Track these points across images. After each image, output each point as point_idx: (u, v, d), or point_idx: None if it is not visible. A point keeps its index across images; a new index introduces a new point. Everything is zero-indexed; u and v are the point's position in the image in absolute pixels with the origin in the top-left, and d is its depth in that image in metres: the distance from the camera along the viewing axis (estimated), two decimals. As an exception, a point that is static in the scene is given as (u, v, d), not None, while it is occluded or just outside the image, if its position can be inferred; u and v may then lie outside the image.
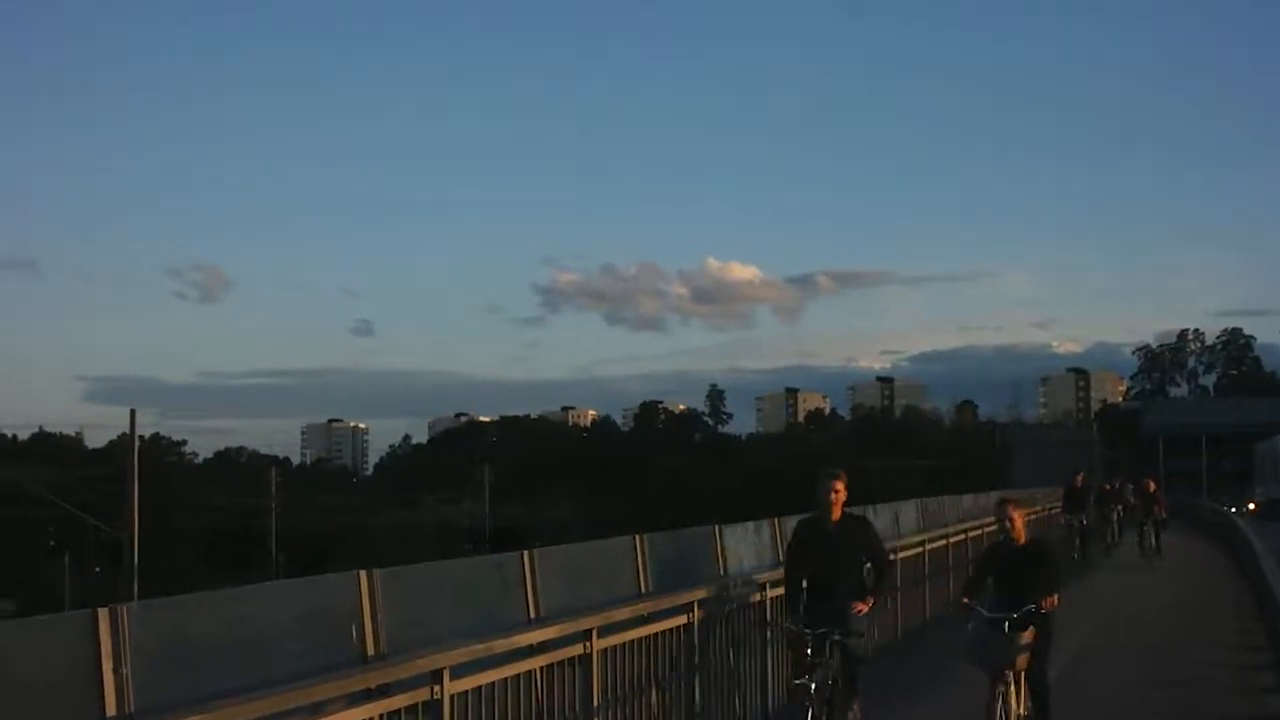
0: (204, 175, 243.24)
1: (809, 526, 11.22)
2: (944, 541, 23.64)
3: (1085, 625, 19.78)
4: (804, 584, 10.73)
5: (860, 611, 10.69)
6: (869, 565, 11.03)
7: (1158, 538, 35.08)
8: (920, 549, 21.68)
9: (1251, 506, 75.07)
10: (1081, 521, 34.52)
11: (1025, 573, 11.13)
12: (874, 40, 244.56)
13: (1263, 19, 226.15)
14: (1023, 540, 11.47)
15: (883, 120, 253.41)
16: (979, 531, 27.31)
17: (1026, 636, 11.00)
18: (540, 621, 9.63)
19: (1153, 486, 36.06)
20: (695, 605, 11.70)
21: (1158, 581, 30.37)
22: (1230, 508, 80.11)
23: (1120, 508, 38.01)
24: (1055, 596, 11.08)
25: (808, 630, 10.47)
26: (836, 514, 10.88)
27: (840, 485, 10.86)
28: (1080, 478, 36.01)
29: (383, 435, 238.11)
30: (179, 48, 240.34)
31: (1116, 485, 40.38)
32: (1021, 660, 11.08)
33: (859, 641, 10.81)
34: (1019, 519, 11.43)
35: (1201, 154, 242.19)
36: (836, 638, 10.50)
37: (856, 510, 12.27)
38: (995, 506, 11.86)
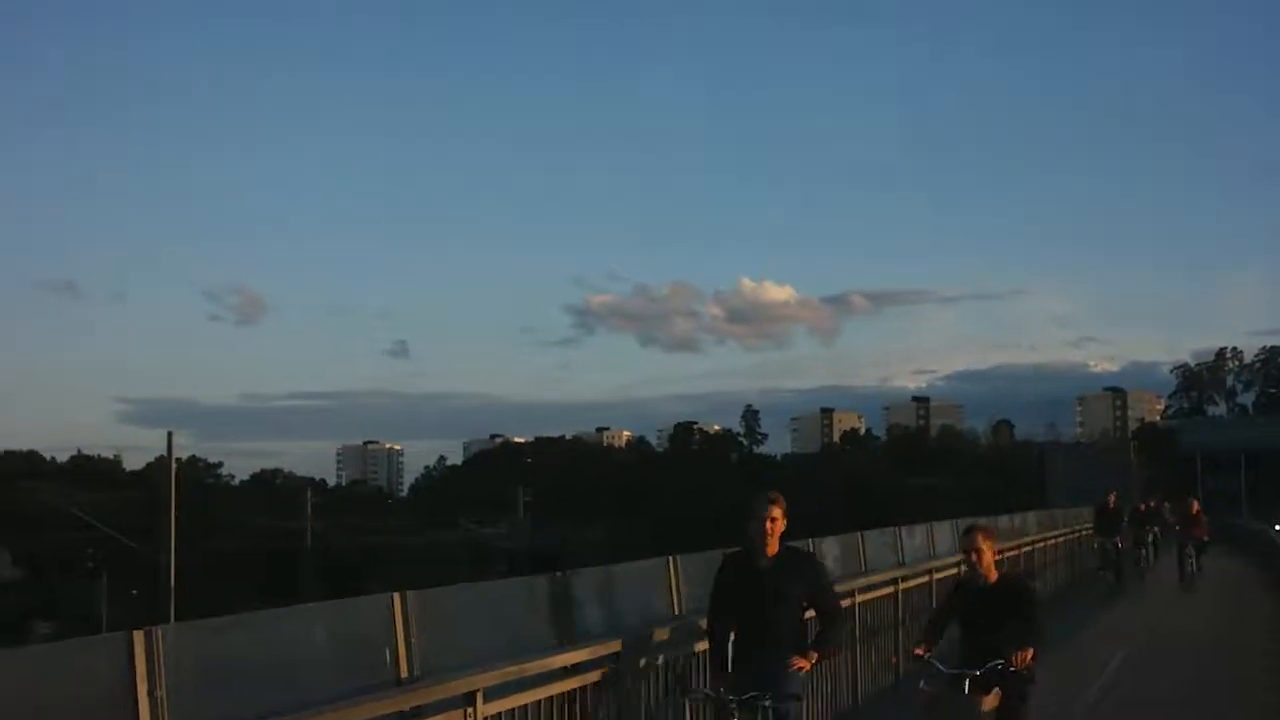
0: (241, 199, 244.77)
1: (737, 564, 9.25)
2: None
3: (1114, 657, 19.23)
4: (730, 636, 8.79)
5: (800, 670, 8.90)
6: (815, 612, 9.37)
7: (1198, 561, 32.69)
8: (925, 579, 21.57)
9: None
10: (1115, 545, 32.99)
11: (996, 619, 9.23)
12: (907, 58, 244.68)
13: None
14: (994, 577, 9.54)
15: (916, 139, 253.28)
16: (1015, 551, 27.23)
17: (989, 701, 9.06)
18: (573, 643, 9.63)
19: (1196, 507, 33.74)
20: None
21: (1196, 610, 27.98)
22: (1277, 526, 79.26)
23: (1156, 529, 36.30)
24: (1030, 651, 9.02)
25: (732, 698, 8.63)
26: (772, 548, 8.96)
27: (778, 512, 8.96)
28: (1112, 498, 34.39)
29: (418, 457, 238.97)
30: (218, 72, 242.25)
31: (1152, 505, 38.44)
32: None
33: (796, 707, 9.01)
34: (988, 551, 9.49)
35: (1239, 171, 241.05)
36: (768, 704, 8.61)
37: (807, 544, 11.41)
38: (962, 535, 9.83)
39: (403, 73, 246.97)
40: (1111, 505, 33.92)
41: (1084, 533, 36.39)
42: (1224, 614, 27.24)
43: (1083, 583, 33.88)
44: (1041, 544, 31.75)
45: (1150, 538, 35.68)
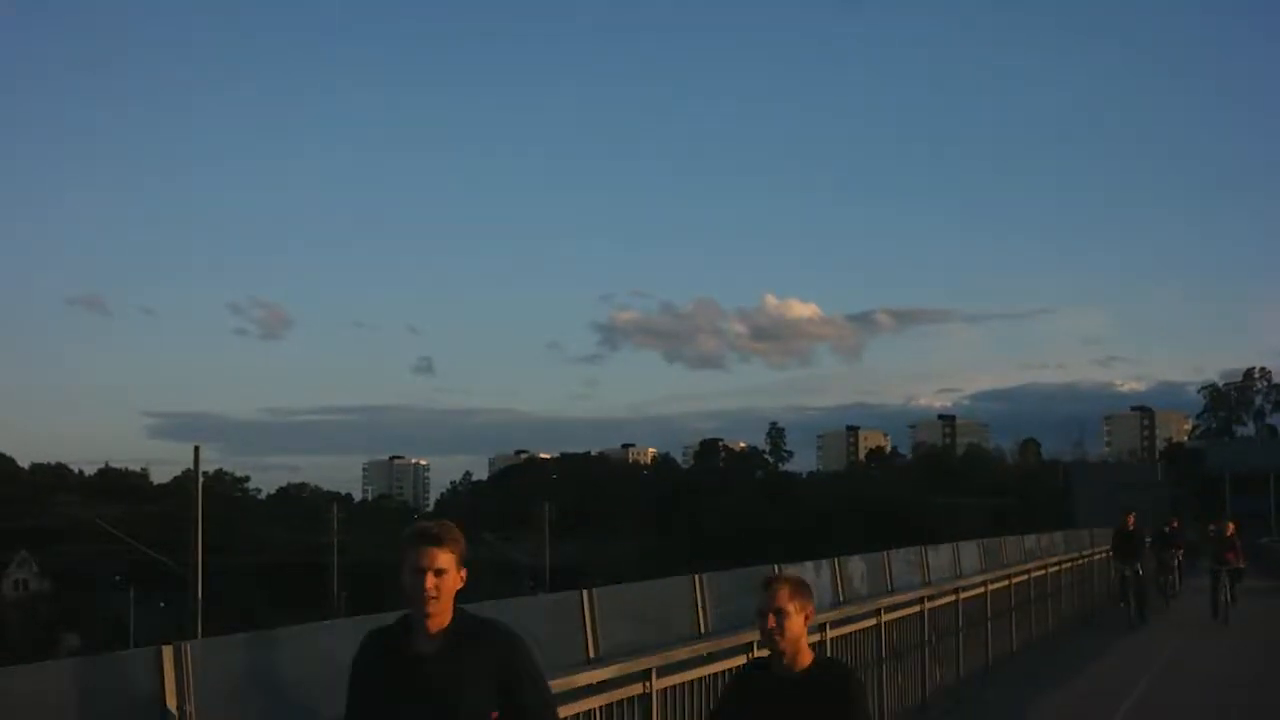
0: (267, 213, 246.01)
1: (384, 648, 5.35)
2: (1005, 582, 23.42)
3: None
4: None
5: None
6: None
7: (1232, 591, 29.47)
8: (982, 588, 21.50)
9: None
10: (1136, 571, 29.89)
11: None
12: (935, 77, 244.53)
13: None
14: (805, 661, 5.90)
15: (941, 157, 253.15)
16: (1041, 571, 27.14)
17: None
18: (599, 661, 9.63)
19: (1232, 529, 30.82)
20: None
21: (1232, 648, 24.73)
22: None
23: (1180, 552, 34.51)
24: None
25: None
26: (439, 618, 5.19)
27: (447, 558, 5.16)
28: (1131, 519, 31.10)
29: (444, 472, 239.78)
30: (242, 86, 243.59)
31: (1177, 525, 36.30)
32: None
33: None
34: (797, 616, 5.88)
35: (1269, 191, 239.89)
36: None
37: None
38: (759, 589, 6.05)
39: (433, 88, 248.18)
40: (1131, 527, 31.01)
41: (1102, 555, 34.22)
42: (1263, 652, 24.16)
43: (1100, 608, 32.44)
44: (1049, 569, 29.34)
45: (1175, 562, 34.00)
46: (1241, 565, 30.53)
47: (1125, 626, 28.20)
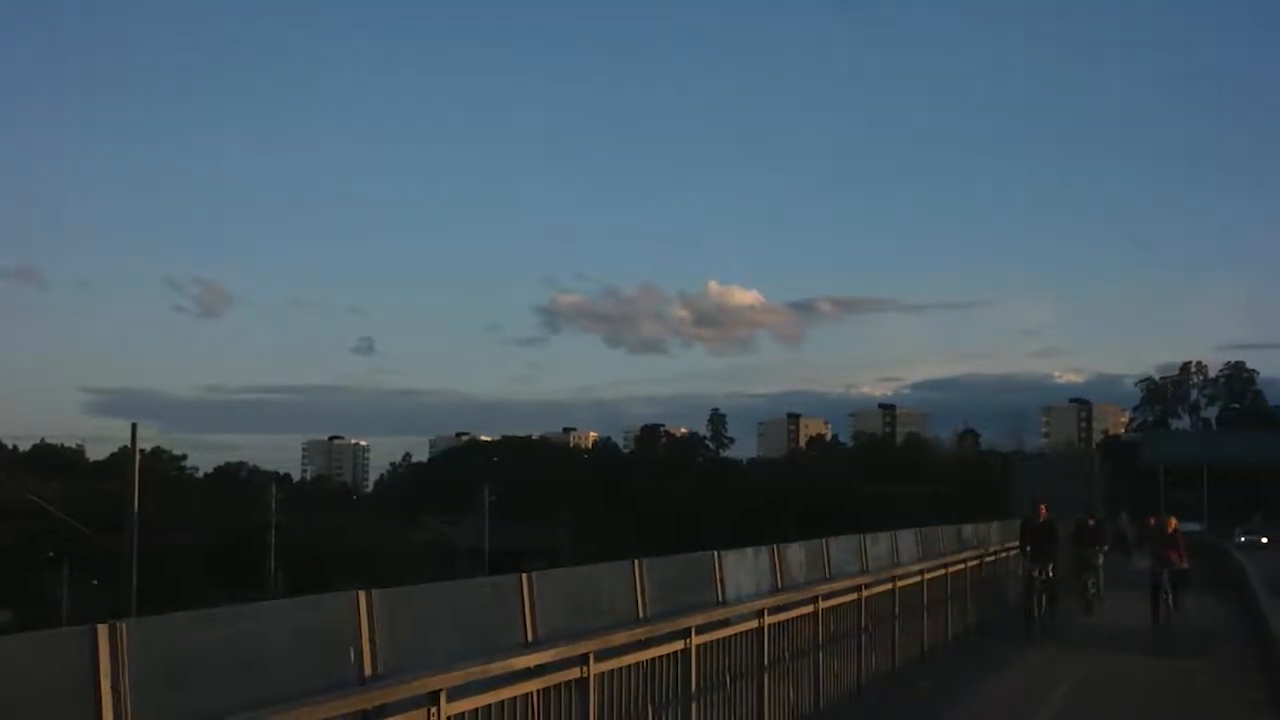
0: (206, 190, 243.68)
1: None
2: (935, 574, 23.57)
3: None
4: None
5: None
6: None
7: (1176, 593, 25.78)
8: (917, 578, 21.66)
9: None
10: (1047, 574, 25.77)
11: None
12: (875, 66, 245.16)
13: (1273, 53, 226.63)
14: None
15: (884, 147, 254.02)
16: (978, 561, 27.33)
17: None
18: (538, 645, 9.65)
19: (1173, 525, 26.87)
20: (693, 631, 11.71)
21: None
22: (1261, 538, 79.28)
23: (1104, 550, 30.59)
24: None
25: None
26: None
27: None
28: (1044, 509, 27.22)
29: (384, 453, 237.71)
30: (181, 59, 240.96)
31: (1096, 520, 32.51)
32: None
33: None
34: None
35: (1206, 186, 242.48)
36: None
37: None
38: None
39: (372, 70, 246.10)
40: (1043, 519, 26.98)
41: (1006, 553, 30.07)
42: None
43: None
44: (984, 559, 27.63)
45: (1098, 560, 30.23)
46: (1185, 566, 25.99)
47: (1022, 638, 24.04)
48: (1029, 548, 26.39)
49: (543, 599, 10.00)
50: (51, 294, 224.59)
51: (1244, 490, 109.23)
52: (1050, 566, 25.95)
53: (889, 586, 19.35)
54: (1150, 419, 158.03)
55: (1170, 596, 25.55)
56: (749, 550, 15.32)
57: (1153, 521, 31.43)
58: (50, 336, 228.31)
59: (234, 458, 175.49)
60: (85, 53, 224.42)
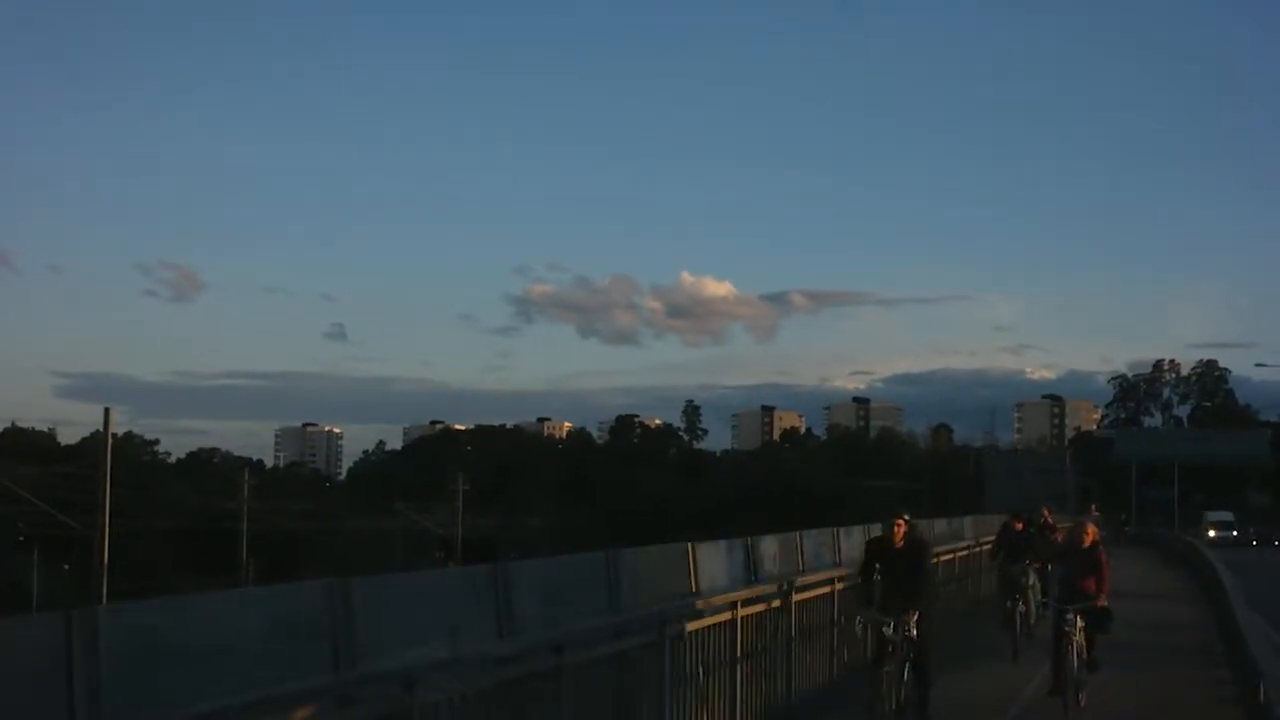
0: (177, 175, 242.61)
1: None
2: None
3: None
4: None
5: None
6: None
7: (1090, 646, 15.54)
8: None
9: None
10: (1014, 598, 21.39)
11: None
12: (853, 60, 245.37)
13: (1247, 53, 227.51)
14: None
15: (859, 140, 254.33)
16: (951, 556, 27.41)
17: None
18: (511, 634, 9.65)
19: (1091, 535, 16.08)
20: (665, 623, 11.73)
21: None
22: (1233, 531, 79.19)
23: (1036, 565, 21.82)
24: None
25: None
26: None
27: None
28: (1018, 522, 22.98)
29: (357, 440, 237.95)
30: (156, 47, 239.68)
31: (1024, 525, 23.33)
32: None
33: None
34: None
35: (1181, 186, 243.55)
36: None
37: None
38: None
39: (346, 59, 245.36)
40: (1019, 528, 22.68)
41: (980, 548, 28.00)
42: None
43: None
44: (957, 554, 27.44)
45: (1029, 579, 22.01)
46: (1104, 604, 15.57)
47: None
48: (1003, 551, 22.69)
49: (516, 589, 10.00)
50: (23, 277, 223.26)
51: (1214, 487, 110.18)
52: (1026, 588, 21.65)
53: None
54: (1123, 416, 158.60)
55: (1082, 648, 15.51)
56: (723, 542, 15.35)
57: (1047, 518, 24.06)
58: (21, 320, 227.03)
59: (206, 443, 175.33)
60: (55, 39, 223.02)
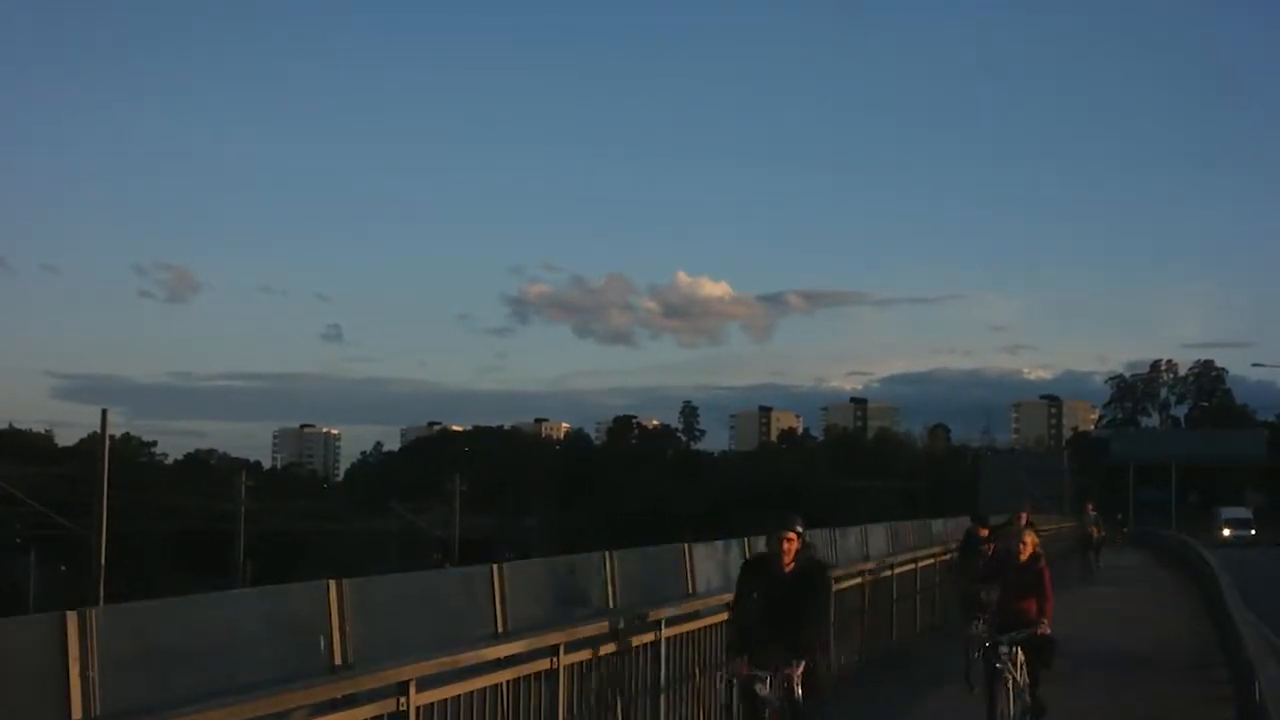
0: (173, 176, 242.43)
1: None
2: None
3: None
4: None
5: None
6: None
7: (1033, 688, 12.98)
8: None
9: None
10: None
11: None
12: (850, 61, 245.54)
13: (1246, 53, 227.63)
14: None
15: (855, 140, 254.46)
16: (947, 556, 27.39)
17: None
18: (508, 635, 9.65)
19: (1030, 545, 13.47)
20: (663, 623, 11.73)
21: None
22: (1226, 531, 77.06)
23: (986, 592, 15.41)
24: None
25: None
26: None
27: None
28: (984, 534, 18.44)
29: (354, 441, 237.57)
30: (150, 48, 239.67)
31: (989, 532, 18.41)
32: None
33: None
34: None
35: (1178, 186, 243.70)
36: None
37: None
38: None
39: (341, 60, 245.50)
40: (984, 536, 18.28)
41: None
42: None
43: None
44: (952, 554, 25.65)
45: (978, 615, 16.10)
46: (1046, 631, 12.84)
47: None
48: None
49: (513, 590, 10.00)
50: (19, 279, 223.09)
51: (1212, 488, 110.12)
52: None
53: (858, 581, 19.40)
54: (1120, 416, 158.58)
55: (1019, 701, 12.90)
56: (719, 543, 15.35)
57: (983, 533, 18.42)
58: (18, 321, 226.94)
59: (204, 445, 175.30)
60: (53, 39, 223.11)
